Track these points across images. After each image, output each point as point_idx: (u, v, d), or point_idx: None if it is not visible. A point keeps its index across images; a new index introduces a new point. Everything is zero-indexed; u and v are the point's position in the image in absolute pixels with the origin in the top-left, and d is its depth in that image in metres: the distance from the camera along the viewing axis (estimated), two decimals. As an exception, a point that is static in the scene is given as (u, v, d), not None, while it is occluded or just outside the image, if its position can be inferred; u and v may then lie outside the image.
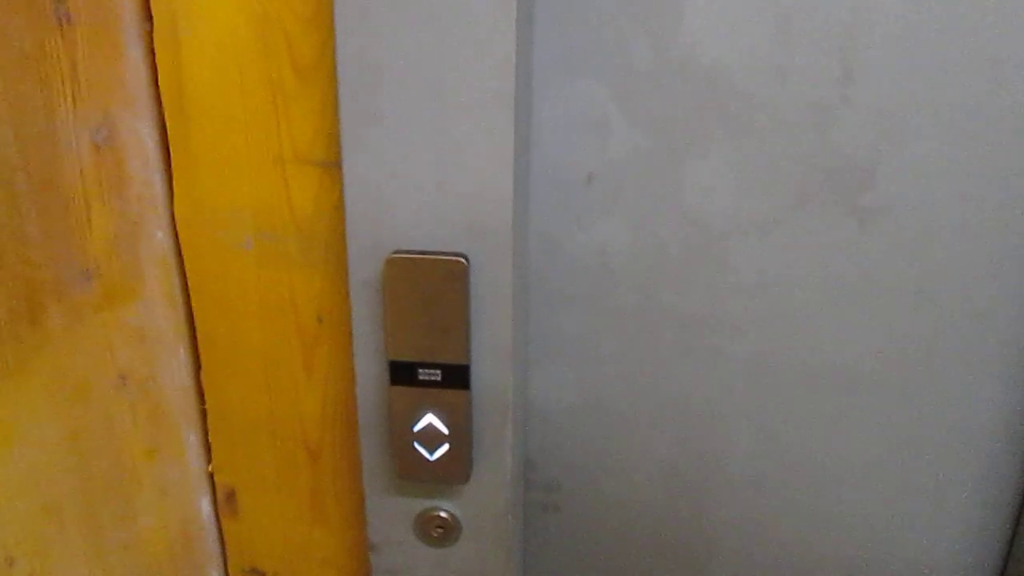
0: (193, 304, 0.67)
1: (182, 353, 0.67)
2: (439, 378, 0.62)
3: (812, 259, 0.68)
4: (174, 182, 0.63)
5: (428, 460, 0.64)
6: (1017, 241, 0.66)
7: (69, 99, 0.53)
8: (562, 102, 0.66)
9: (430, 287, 0.60)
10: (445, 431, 0.63)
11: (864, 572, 0.78)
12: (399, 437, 0.64)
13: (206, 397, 0.69)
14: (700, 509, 0.78)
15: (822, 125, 0.65)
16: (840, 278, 0.69)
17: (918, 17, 0.61)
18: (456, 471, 0.65)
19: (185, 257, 0.65)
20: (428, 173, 0.59)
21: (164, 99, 0.61)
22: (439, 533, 0.68)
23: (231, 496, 0.73)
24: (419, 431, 0.63)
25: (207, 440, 0.71)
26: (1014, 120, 0.63)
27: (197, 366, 0.69)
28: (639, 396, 0.74)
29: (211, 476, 0.72)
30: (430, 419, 0.63)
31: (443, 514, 0.68)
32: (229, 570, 0.76)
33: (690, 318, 0.71)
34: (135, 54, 0.59)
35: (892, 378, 0.71)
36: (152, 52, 0.60)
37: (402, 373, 0.62)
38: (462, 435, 0.64)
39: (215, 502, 0.73)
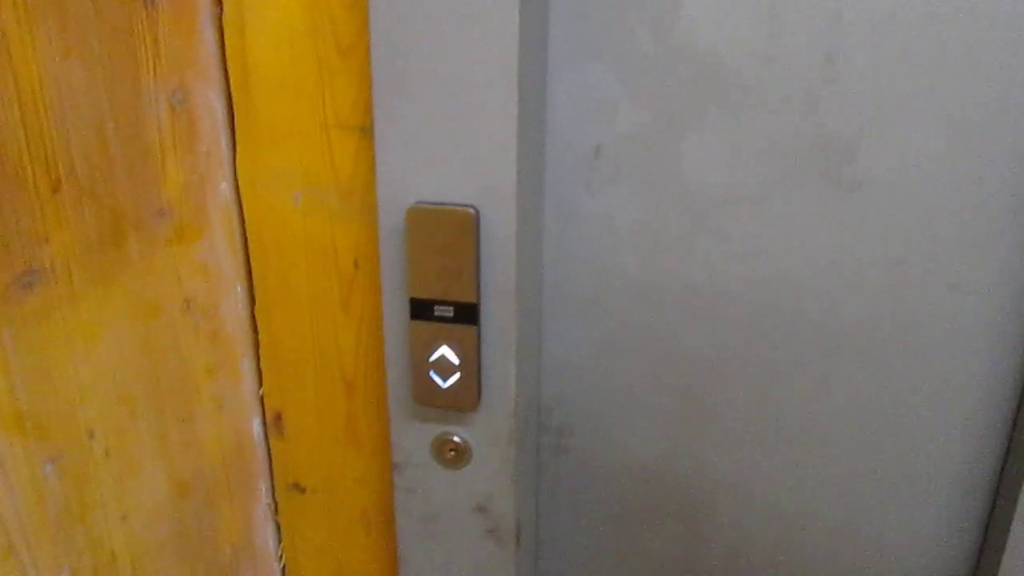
0: (250, 247, 0.77)
1: (239, 289, 0.78)
2: (452, 314, 0.71)
3: (800, 228, 0.73)
4: (237, 142, 0.74)
5: (441, 387, 0.73)
6: (991, 215, 0.70)
7: (151, 68, 0.65)
8: (574, 83, 0.73)
9: (445, 234, 0.69)
10: (456, 362, 0.72)
11: (847, 527, 0.82)
12: (417, 366, 0.73)
13: (259, 328, 0.80)
14: (698, 457, 0.83)
15: (807, 105, 0.69)
16: (825, 246, 0.73)
17: (896, 6, 0.66)
18: (466, 399, 0.74)
19: (244, 207, 0.76)
20: (446, 137, 0.68)
21: (230, 72, 0.72)
22: (452, 456, 0.77)
23: (278, 418, 0.83)
24: (434, 361, 0.73)
25: (259, 367, 0.82)
26: (988, 99, 0.67)
27: (252, 301, 0.79)
28: (643, 351, 0.80)
29: (262, 399, 0.83)
30: (444, 351, 0.72)
31: (455, 439, 0.77)
32: (275, 484, 0.87)
33: (688, 282, 0.77)
34: (207, 33, 0.70)
35: (874, 341, 0.75)
36: (221, 31, 0.71)
37: (421, 309, 0.72)
38: (471, 366, 0.72)
39: (264, 422, 0.84)
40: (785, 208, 0.73)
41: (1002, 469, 0.77)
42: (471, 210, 0.68)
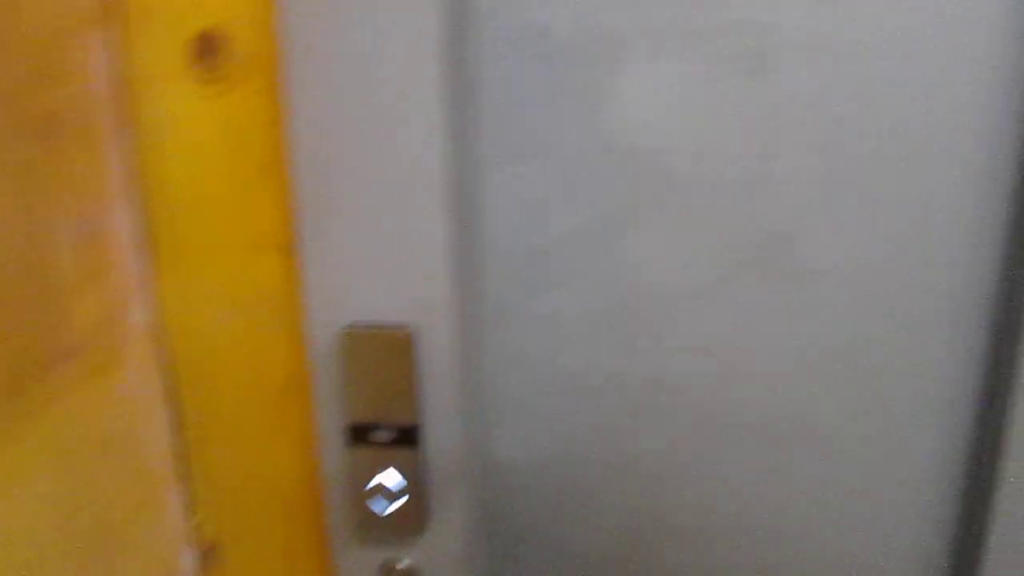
0: (178, 374, 0.73)
1: (164, 418, 0.74)
2: (392, 437, 0.68)
3: (744, 319, 0.72)
4: (157, 265, 0.71)
5: (383, 515, 0.70)
6: (936, 298, 0.70)
7: (55, 200, 0.61)
8: (507, 185, 0.72)
9: (381, 356, 0.66)
10: (398, 487, 0.69)
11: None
12: (357, 493, 0.70)
13: (191, 458, 0.76)
14: (651, 559, 0.81)
15: (743, 199, 0.69)
16: (771, 337, 0.72)
17: (828, 99, 0.66)
18: (412, 524, 0.70)
19: (168, 332, 0.72)
20: (375, 254, 0.65)
21: (145, 194, 0.69)
22: (401, 582, 0.74)
23: (213, 548, 0.79)
24: (374, 487, 0.69)
25: (190, 498, 0.77)
26: (923, 189, 0.67)
27: (179, 430, 0.75)
28: (591, 453, 0.78)
29: (193, 531, 0.78)
30: (385, 476, 0.69)
31: (403, 564, 0.73)
32: (212, 620, 0.81)
33: (634, 378, 0.76)
34: (114, 157, 0.66)
35: (829, 432, 0.74)
36: (132, 154, 0.68)
37: (358, 434, 0.68)
38: (416, 488, 0.69)
39: (198, 555, 0.79)
40: (729, 301, 0.73)
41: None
42: (407, 331, 0.65)
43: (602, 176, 0.71)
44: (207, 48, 0.65)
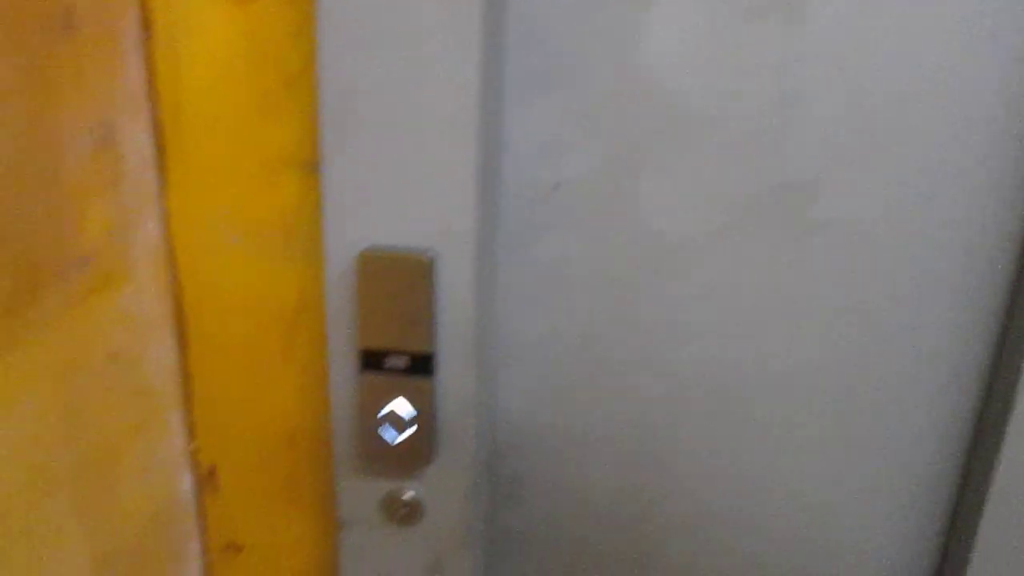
0: (183, 294, 0.71)
1: (168, 339, 0.72)
2: (406, 365, 0.67)
3: (758, 270, 0.72)
4: (168, 180, 0.68)
5: (394, 443, 0.69)
6: (952, 255, 0.70)
7: (72, 101, 0.58)
8: (529, 119, 0.70)
9: (399, 281, 0.65)
10: (410, 416, 0.68)
11: (802, 570, 0.82)
12: (367, 421, 0.68)
13: (191, 380, 0.74)
14: (649, 506, 0.81)
15: (769, 144, 0.68)
16: (785, 287, 0.72)
17: (859, 45, 0.65)
18: (420, 454, 0.69)
19: (176, 250, 0.70)
20: (400, 177, 0.63)
21: (160, 104, 0.66)
22: (404, 513, 0.73)
23: (212, 473, 0.77)
24: (385, 415, 0.68)
25: (190, 421, 0.76)
26: (949, 139, 0.66)
27: (183, 351, 0.73)
28: (596, 397, 0.78)
29: (192, 455, 0.77)
30: (397, 404, 0.68)
31: (408, 495, 0.72)
32: (207, 544, 0.80)
33: (643, 324, 0.75)
34: (133, 61, 0.64)
35: (830, 383, 0.74)
36: (149, 60, 0.65)
37: (371, 360, 0.67)
38: (426, 419, 0.68)
39: (196, 479, 0.77)
40: (744, 250, 0.72)
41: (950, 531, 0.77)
42: (427, 256, 0.64)
43: (624, 115, 0.69)
44: (233, -48, 0.62)
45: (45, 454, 0.58)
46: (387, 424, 0.68)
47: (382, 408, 0.68)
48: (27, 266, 0.55)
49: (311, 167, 0.67)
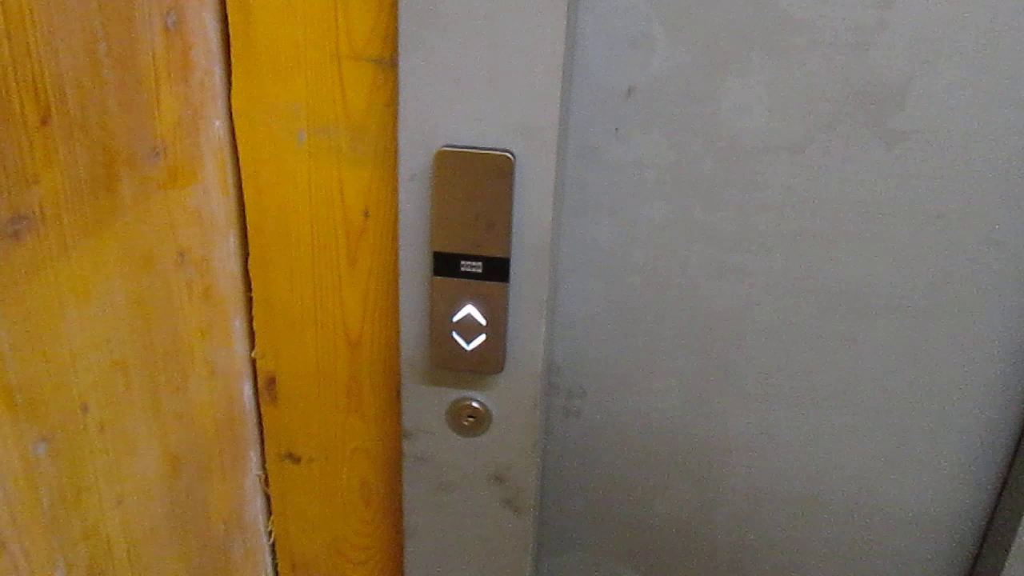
0: (245, 193, 0.69)
1: (232, 240, 0.70)
2: (481, 270, 0.65)
3: (839, 180, 0.70)
4: (233, 74, 0.65)
5: (464, 350, 0.67)
6: None
7: (144, -19, 0.56)
8: (606, 16, 0.68)
9: (476, 181, 0.62)
10: (483, 322, 0.66)
11: (863, 490, 0.81)
12: (438, 327, 0.67)
13: (252, 285, 0.72)
14: (713, 421, 0.80)
15: (858, 47, 0.66)
16: (864, 200, 0.70)
17: None
18: (490, 362, 0.68)
19: (240, 147, 0.68)
20: (480, 73, 0.61)
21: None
22: (470, 422, 0.72)
23: (271, 383, 0.76)
24: (458, 321, 0.66)
25: (251, 327, 0.74)
26: None
27: (246, 253, 0.71)
28: (664, 308, 0.77)
29: (253, 362, 0.75)
30: (469, 310, 0.66)
31: (475, 404, 0.71)
32: (266, 453, 0.79)
33: (718, 233, 0.73)
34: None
35: (905, 302, 0.73)
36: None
37: (445, 264, 0.65)
38: (499, 327, 0.67)
39: (256, 387, 0.76)
40: (825, 158, 0.70)
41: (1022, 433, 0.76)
42: (508, 156, 0.61)
43: (711, 13, 0.66)
44: None
45: (121, 349, 0.56)
46: (459, 330, 0.66)
47: (454, 314, 0.66)
48: (103, 152, 0.53)
49: (384, 62, 0.64)
